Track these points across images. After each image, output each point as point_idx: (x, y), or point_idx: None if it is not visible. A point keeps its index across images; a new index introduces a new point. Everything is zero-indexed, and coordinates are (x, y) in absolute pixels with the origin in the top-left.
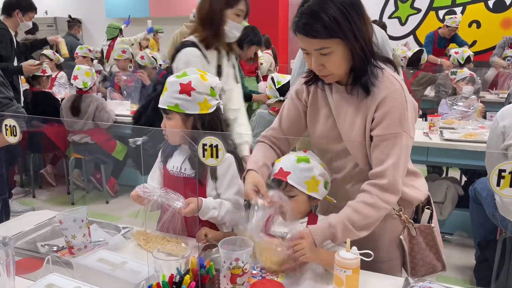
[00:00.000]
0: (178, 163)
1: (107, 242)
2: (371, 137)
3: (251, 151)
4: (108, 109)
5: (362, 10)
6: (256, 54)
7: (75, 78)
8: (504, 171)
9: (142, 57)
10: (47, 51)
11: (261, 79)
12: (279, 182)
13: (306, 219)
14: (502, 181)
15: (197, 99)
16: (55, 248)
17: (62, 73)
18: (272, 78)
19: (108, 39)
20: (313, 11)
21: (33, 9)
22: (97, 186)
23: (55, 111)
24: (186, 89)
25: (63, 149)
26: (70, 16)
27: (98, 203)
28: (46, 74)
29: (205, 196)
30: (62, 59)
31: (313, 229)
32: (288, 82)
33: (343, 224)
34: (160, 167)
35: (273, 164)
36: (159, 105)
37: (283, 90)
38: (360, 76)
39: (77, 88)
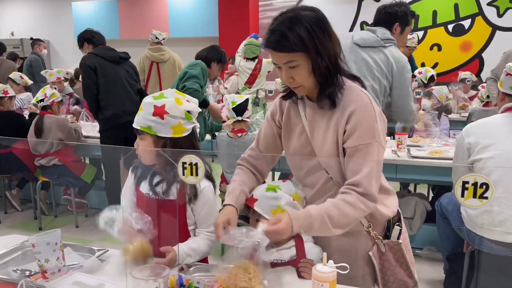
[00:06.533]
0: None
1: (81, 265)
2: (343, 150)
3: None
4: (73, 128)
5: (328, 28)
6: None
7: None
8: (468, 182)
9: None
10: (13, 75)
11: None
12: (248, 207)
13: (292, 242)
14: (466, 192)
15: (170, 122)
16: (27, 273)
17: (27, 93)
18: (227, 99)
19: (248, 59)
20: (280, 29)
21: None
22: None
23: (24, 131)
24: (159, 112)
25: (32, 170)
26: (31, 38)
27: (68, 227)
28: (8, 95)
29: (185, 220)
30: (30, 82)
31: (293, 217)
32: (245, 101)
33: (321, 218)
34: (132, 187)
35: (252, 189)
36: (133, 125)
37: (240, 110)
38: (326, 88)
39: (40, 109)
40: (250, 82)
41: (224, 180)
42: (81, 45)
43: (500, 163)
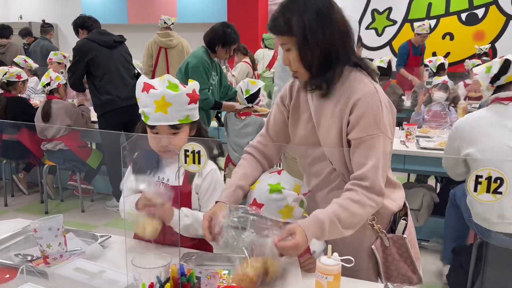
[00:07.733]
0: (166, 174)
1: (83, 251)
2: (348, 142)
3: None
4: (80, 112)
5: (328, 18)
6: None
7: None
8: (481, 177)
9: None
10: (17, 59)
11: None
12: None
13: None
14: (479, 186)
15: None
16: (29, 258)
17: (34, 78)
18: (241, 87)
19: (270, 48)
20: (276, 12)
21: None
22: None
23: (30, 117)
24: (194, 98)
25: (38, 156)
26: (44, 21)
27: (73, 212)
28: (21, 79)
29: (190, 206)
30: (35, 66)
31: (305, 227)
32: (258, 90)
33: (330, 220)
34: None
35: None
36: (163, 123)
37: (252, 99)
38: (315, 78)
39: (47, 93)
40: (270, 66)
41: (230, 161)
42: (76, 32)
43: (492, 157)
